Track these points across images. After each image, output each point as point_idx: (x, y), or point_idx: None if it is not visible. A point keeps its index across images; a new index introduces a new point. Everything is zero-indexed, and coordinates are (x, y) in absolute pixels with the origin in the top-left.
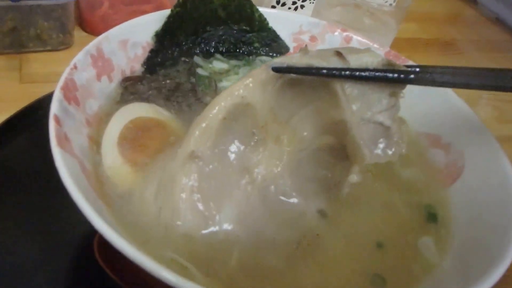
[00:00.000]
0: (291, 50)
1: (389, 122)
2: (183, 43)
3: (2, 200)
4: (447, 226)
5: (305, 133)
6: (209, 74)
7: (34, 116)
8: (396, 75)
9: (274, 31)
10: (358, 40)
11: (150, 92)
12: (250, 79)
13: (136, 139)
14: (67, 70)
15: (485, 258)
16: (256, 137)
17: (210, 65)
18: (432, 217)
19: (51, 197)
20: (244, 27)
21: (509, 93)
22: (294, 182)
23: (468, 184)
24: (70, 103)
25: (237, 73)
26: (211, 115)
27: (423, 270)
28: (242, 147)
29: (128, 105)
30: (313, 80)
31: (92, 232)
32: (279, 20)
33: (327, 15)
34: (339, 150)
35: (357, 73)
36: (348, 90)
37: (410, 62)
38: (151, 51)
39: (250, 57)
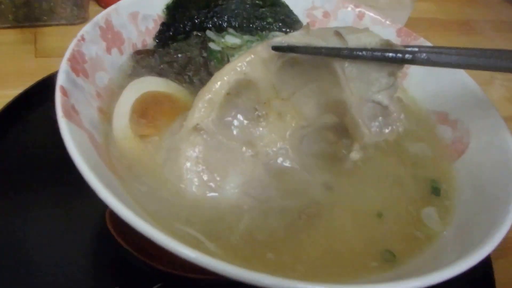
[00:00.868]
0: None
1: (387, 102)
2: (195, 17)
3: (18, 173)
4: (450, 199)
5: (307, 111)
6: (221, 48)
7: (49, 90)
8: (393, 54)
9: (287, 6)
10: (370, 16)
11: (161, 66)
12: (252, 56)
13: (148, 112)
14: (74, 41)
15: (485, 227)
16: (259, 113)
17: (223, 40)
18: (436, 190)
19: (66, 169)
20: (257, 1)
21: None
22: (298, 156)
23: (472, 159)
24: (78, 75)
25: (249, 48)
26: (214, 89)
27: (426, 239)
28: (245, 122)
29: (139, 79)
30: (314, 59)
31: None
32: None
33: None
34: (341, 128)
35: (355, 53)
36: (348, 69)
37: (421, 40)
38: (163, 24)
39: (263, 32)
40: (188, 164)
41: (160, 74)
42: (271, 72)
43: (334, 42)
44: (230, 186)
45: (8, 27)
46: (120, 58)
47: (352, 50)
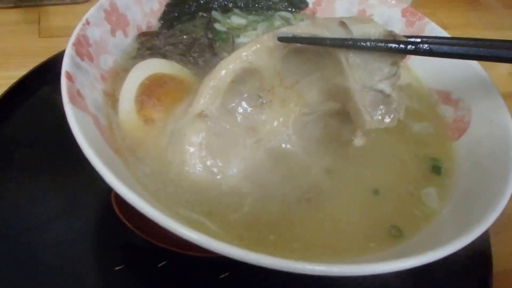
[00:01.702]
0: (310, 6)
1: (389, 90)
2: None
3: (23, 154)
4: (450, 177)
5: (310, 98)
6: (227, 29)
7: (54, 71)
8: (396, 45)
9: None
10: None
11: (166, 47)
12: (258, 45)
13: (153, 94)
14: (79, 25)
15: (484, 204)
16: (263, 100)
17: (228, 20)
18: (436, 169)
19: (72, 151)
20: None
21: None
22: (300, 142)
23: (473, 138)
24: (83, 59)
25: (255, 29)
26: (219, 77)
27: (425, 217)
28: (249, 109)
29: (145, 61)
30: (318, 48)
31: None
32: None
33: None
34: (344, 115)
35: (359, 43)
36: (351, 59)
37: (426, 20)
38: (168, 5)
39: (269, 12)
40: (192, 149)
41: (165, 55)
42: (276, 61)
43: (339, 33)
44: (232, 172)
45: (12, 7)
46: (125, 40)
47: (356, 40)
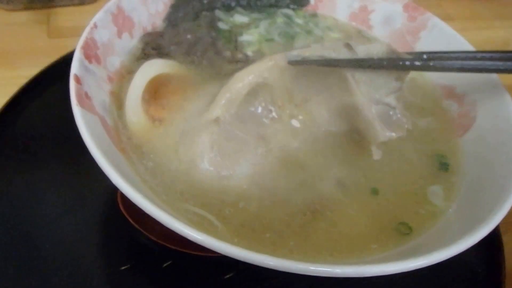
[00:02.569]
0: (312, 2)
1: (395, 103)
2: None
3: (32, 154)
4: (456, 174)
5: (320, 118)
6: (229, 27)
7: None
8: (400, 62)
9: None
10: None
11: (171, 47)
12: (271, 62)
13: (159, 95)
14: (87, 29)
15: (492, 201)
16: (274, 114)
17: (231, 19)
18: (444, 166)
19: (80, 150)
20: None
21: None
22: (308, 154)
23: (479, 133)
24: (91, 62)
25: (257, 27)
26: (236, 89)
27: (432, 216)
28: (260, 120)
29: (150, 61)
30: (326, 68)
31: None
32: None
33: None
34: (353, 132)
35: (364, 63)
36: (357, 76)
37: (428, 15)
38: (172, 6)
39: (271, 9)
40: (202, 150)
41: (170, 55)
42: (288, 79)
43: (344, 53)
44: (241, 175)
45: (22, 9)
46: (131, 42)
47: (361, 60)
